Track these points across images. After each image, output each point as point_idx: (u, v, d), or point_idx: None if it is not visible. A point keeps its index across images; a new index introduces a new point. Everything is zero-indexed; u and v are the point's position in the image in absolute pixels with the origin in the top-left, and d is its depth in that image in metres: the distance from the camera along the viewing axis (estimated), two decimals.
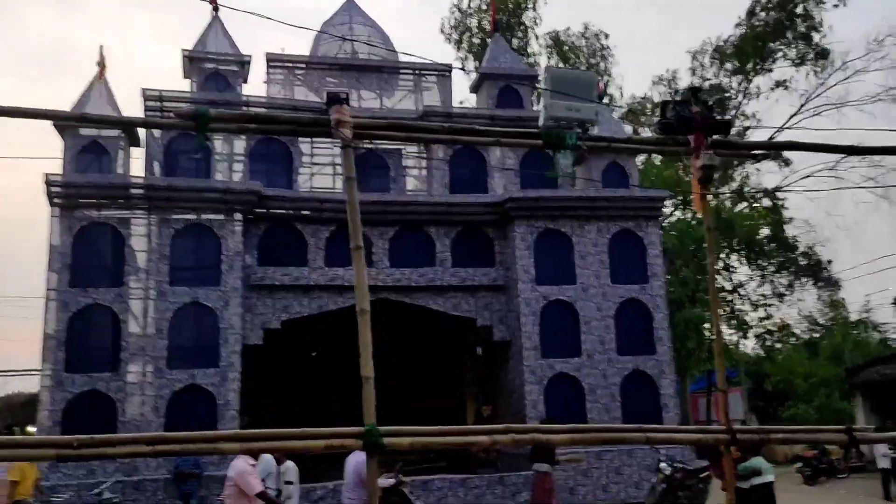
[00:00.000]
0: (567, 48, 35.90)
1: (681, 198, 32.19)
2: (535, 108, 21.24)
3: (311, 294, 17.73)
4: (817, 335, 39.78)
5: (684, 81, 35.20)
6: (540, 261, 18.42)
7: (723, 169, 32.65)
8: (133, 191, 16.51)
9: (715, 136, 6.20)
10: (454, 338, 20.38)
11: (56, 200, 16.31)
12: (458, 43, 34.74)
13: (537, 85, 20.89)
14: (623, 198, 19.20)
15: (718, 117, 6.45)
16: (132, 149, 18.24)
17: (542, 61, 35.56)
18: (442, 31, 34.80)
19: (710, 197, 6.21)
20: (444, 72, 21.85)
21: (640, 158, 32.99)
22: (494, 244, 19.12)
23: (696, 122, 6.28)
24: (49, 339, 15.72)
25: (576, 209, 18.81)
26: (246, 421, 16.82)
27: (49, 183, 16.15)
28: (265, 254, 17.73)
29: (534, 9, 34.54)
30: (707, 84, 33.80)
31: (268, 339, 17.37)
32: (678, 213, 34.26)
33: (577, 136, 6.09)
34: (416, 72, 21.69)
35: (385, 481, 10.60)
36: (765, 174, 35.03)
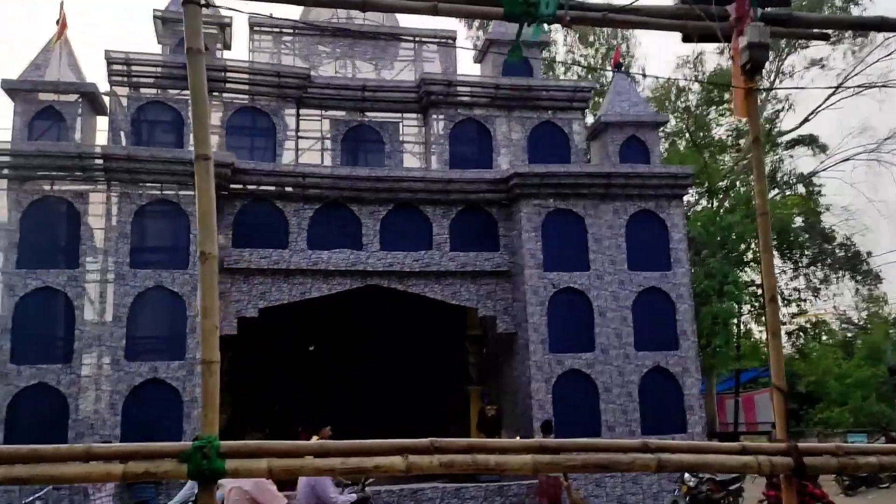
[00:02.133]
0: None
1: (706, 186, 30.07)
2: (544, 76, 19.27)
3: (291, 279, 15.90)
4: (851, 335, 37.37)
5: (711, 63, 32.92)
6: (549, 244, 16.49)
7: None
8: (91, 161, 14.74)
9: (766, 9, 4.28)
10: (454, 329, 18.42)
11: (3, 172, 14.61)
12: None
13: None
14: (642, 174, 17.14)
15: None
16: (98, 118, 16.55)
17: (557, 38, 33.47)
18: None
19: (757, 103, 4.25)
20: (447, 39, 19.93)
21: (664, 146, 30.92)
22: (498, 226, 17.16)
23: None
24: None
25: (589, 187, 16.81)
26: (224, 419, 15.14)
27: None
28: (241, 234, 15.91)
29: None
30: None
31: (243, 329, 15.53)
32: (704, 202, 32.12)
33: (558, 2, 4.16)
34: (417, 39, 19.78)
35: (347, 497, 8.72)
36: (799, 158, 32.47)
